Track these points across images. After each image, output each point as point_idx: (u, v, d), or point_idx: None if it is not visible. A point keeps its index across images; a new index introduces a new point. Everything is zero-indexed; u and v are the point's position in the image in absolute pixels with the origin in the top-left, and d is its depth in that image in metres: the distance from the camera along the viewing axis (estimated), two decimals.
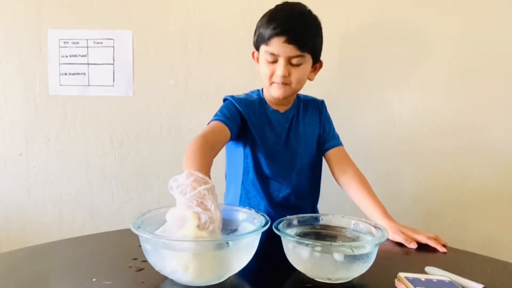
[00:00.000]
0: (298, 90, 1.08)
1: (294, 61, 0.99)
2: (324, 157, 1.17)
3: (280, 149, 1.10)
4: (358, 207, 1.05)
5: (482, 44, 1.50)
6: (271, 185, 1.10)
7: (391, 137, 1.56)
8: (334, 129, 1.20)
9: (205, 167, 0.80)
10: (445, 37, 1.51)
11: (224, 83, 1.56)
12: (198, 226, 0.63)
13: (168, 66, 1.56)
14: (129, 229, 0.65)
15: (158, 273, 0.66)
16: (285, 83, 1.01)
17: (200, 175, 0.68)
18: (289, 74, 1.00)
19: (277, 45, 0.98)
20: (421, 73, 1.54)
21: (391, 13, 1.52)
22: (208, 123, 1.02)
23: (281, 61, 0.99)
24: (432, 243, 0.88)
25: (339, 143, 1.16)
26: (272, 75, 1.02)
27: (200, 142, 0.87)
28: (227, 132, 0.99)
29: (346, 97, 1.55)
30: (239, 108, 1.06)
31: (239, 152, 1.11)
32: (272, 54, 0.99)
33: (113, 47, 1.55)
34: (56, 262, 0.77)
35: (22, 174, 1.59)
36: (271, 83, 1.03)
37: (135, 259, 0.75)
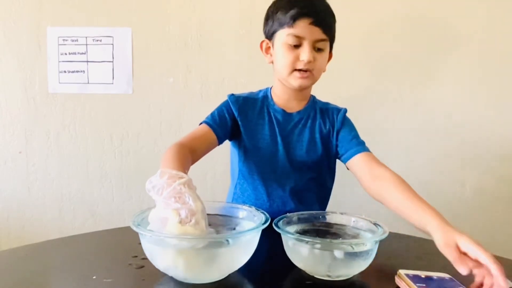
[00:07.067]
0: (317, 80, 1.00)
1: (319, 45, 0.94)
2: (349, 168, 1.02)
3: (276, 152, 1.03)
4: (399, 216, 0.81)
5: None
6: (261, 192, 1.04)
7: (388, 135, 1.56)
8: (357, 136, 1.04)
9: (181, 165, 0.78)
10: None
11: (223, 80, 1.55)
12: (180, 222, 0.63)
13: (168, 63, 1.56)
14: (129, 227, 0.65)
15: (158, 270, 0.66)
16: (309, 70, 0.95)
17: (174, 171, 0.68)
18: (314, 60, 0.94)
19: (303, 27, 0.92)
20: (420, 72, 1.54)
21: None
22: (200, 124, 1.01)
23: (306, 45, 0.93)
24: (496, 270, 0.60)
25: (365, 149, 1.00)
26: (294, 61, 0.94)
27: (176, 148, 0.86)
28: (211, 136, 0.97)
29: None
30: (232, 108, 1.03)
31: (235, 154, 1.08)
32: (297, 36, 0.93)
33: (113, 44, 1.55)
34: (56, 260, 0.77)
35: (22, 172, 1.59)
36: (292, 70, 0.96)
37: (135, 256, 0.75)
